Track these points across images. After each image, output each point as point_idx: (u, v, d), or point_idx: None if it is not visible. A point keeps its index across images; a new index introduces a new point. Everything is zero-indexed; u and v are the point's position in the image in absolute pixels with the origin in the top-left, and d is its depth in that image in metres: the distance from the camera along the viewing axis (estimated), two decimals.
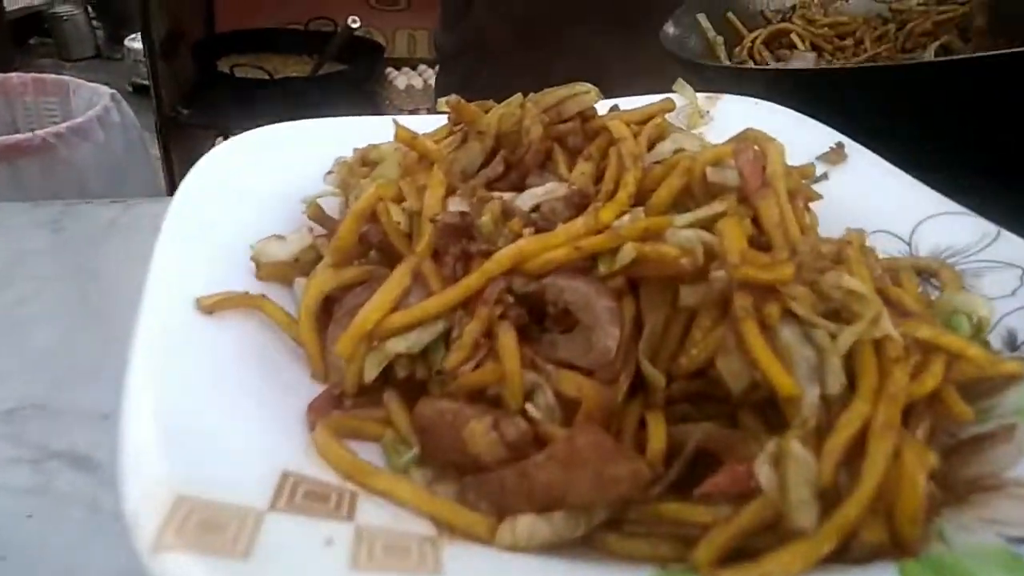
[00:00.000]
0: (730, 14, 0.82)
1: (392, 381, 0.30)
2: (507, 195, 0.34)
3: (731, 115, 0.50)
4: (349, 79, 2.61)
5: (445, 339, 0.29)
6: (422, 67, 2.61)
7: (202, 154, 0.43)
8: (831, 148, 0.47)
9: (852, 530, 0.23)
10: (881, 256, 0.37)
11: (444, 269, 0.30)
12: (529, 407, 0.27)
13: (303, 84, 2.51)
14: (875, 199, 0.44)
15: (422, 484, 0.27)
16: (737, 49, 0.81)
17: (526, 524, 0.24)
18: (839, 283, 0.27)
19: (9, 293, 0.46)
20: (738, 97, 0.52)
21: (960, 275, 0.38)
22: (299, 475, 0.25)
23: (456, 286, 0.29)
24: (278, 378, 0.31)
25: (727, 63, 0.75)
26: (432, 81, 2.28)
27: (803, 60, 0.79)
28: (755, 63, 0.79)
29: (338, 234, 0.32)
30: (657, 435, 0.26)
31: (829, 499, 0.23)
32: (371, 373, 0.29)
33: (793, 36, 0.80)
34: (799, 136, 0.48)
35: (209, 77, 2.57)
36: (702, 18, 0.79)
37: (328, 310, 0.33)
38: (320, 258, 0.35)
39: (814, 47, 0.79)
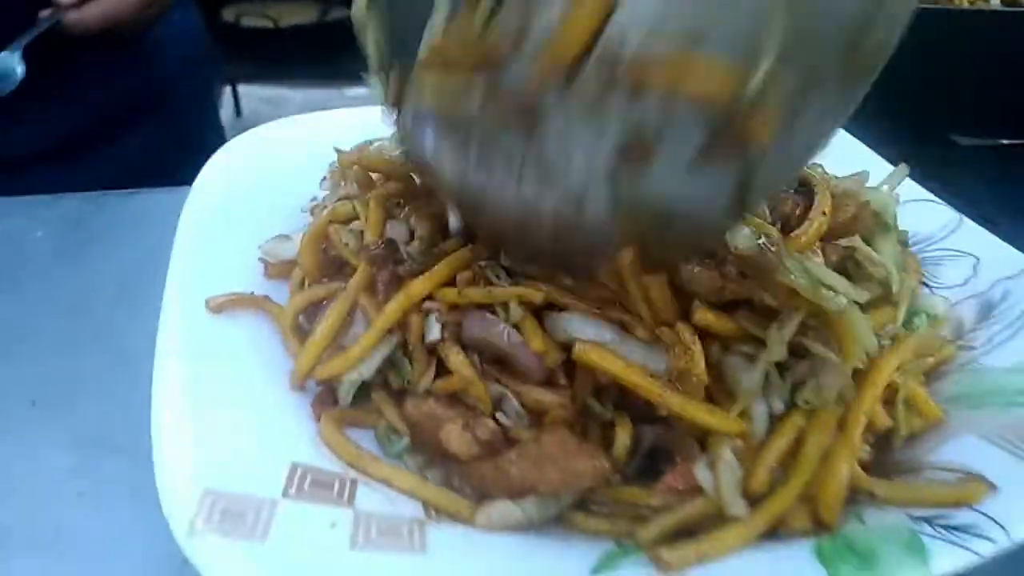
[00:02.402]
0: None
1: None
2: None
3: None
4: None
5: (404, 351, 0.33)
6: None
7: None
8: None
9: (780, 518, 0.28)
10: None
11: (377, 295, 0.33)
12: (500, 416, 0.31)
13: (309, 32, 2.51)
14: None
15: (415, 470, 0.32)
16: None
17: (502, 509, 0.29)
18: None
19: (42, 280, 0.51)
20: None
21: (921, 264, 0.41)
22: (307, 465, 0.30)
23: (381, 315, 0.33)
24: (285, 373, 0.35)
25: None
26: None
27: None
28: None
29: (299, 260, 0.37)
30: (623, 435, 0.30)
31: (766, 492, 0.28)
32: (346, 399, 0.33)
33: None
34: None
35: (213, 27, 2.56)
36: None
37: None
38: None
39: None
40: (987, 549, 0.26)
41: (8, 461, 0.38)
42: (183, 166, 0.89)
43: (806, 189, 0.33)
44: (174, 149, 0.95)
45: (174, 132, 0.97)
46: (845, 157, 0.45)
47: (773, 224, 0.31)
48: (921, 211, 0.44)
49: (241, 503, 0.27)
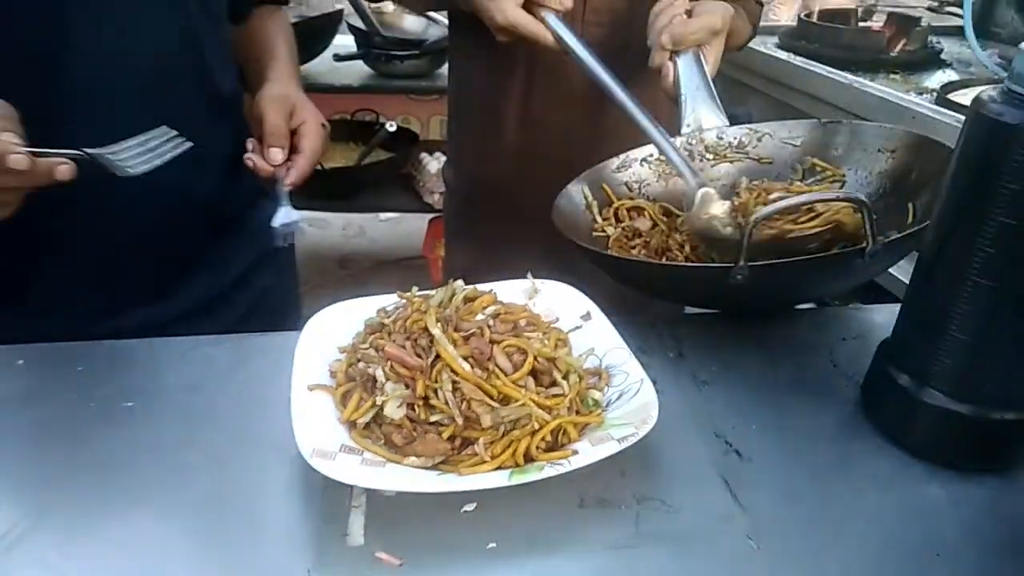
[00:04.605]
0: (604, 184, 1.43)
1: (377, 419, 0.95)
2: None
3: (548, 293, 1.15)
4: (389, 166, 3.30)
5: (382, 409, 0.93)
6: None
7: None
8: (585, 312, 1.10)
9: (503, 461, 0.87)
10: (586, 365, 1.00)
11: (368, 392, 0.94)
12: (414, 433, 0.91)
13: (349, 173, 3.21)
14: (597, 340, 1.07)
15: (386, 450, 0.91)
16: (606, 210, 1.42)
17: (412, 460, 0.89)
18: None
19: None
20: (554, 282, 1.16)
21: (610, 376, 1.01)
22: (346, 444, 0.90)
23: (367, 401, 0.93)
24: (338, 416, 0.96)
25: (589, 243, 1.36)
26: None
27: (642, 223, 1.39)
28: (617, 220, 1.40)
29: (337, 379, 0.98)
30: (456, 440, 0.90)
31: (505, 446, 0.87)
32: (360, 426, 0.93)
33: (644, 207, 1.41)
34: (573, 304, 1.13)
35: None
36: (583, 187, 1.40)
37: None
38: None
39: (651, 216, 1.40)
40: (562, 470, 0.84)
41: (222, 461, 0.99)
42: (278, 309, 1.56)
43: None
44: (283, 292, 1.53)
45: (276, 280, 1.53)
46: (603, 338, 1.06)
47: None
48: (619, 353, 1.04)
49: (325, 453, 0.87)
